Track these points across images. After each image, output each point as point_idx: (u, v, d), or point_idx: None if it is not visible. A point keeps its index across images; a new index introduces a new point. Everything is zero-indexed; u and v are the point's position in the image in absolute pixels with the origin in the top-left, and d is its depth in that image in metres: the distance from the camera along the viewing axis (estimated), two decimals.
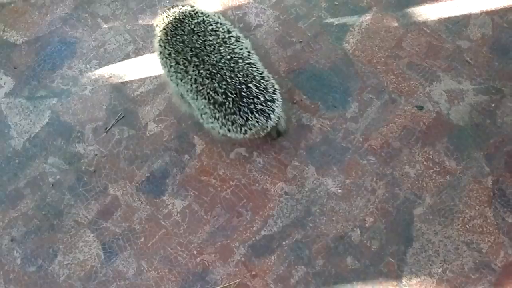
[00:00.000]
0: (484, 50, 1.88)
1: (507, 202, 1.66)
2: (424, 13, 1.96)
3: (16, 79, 2.12)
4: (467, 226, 1.65)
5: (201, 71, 1.60)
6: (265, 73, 1.65)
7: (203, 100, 1.62)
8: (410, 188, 1.72)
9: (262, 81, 1.61)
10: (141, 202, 1.83)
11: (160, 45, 1.72)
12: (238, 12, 2.08)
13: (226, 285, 1.68)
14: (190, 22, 1.69)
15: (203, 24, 1.68)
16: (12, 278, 1.81)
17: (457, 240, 1.64)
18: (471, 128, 1.77)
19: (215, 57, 1.60)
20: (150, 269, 1.74)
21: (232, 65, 1.59)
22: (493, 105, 1.80)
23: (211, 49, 1.62)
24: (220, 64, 1.59)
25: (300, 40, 1.98)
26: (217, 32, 1.66)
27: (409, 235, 1.66)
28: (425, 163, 1.74)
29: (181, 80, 1.67)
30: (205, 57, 1.61)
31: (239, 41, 1.67)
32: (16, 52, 2.18)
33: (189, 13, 1.72)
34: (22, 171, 1.95)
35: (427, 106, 1.82)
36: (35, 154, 1.97)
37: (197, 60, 1.61)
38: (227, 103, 1.58)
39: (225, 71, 1.58)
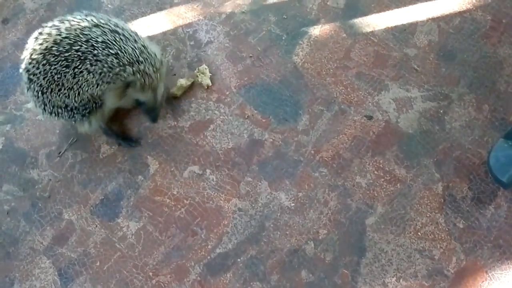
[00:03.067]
0: (431, 57, 1.90)
1: (457, 207, 1.67)
2: (371, 22, 1.98)
3: None
4: (419, 233, 1.66)
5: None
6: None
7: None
8: (362, 198, 1.72)
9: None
10: (96, 226, 1.82)
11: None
12: (189, 30, 2.09)
13: None
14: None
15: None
16: None
17: (410, 248, 1.65)
18: (420, 135, 1.78)
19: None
20: None
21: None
22: (441, 111, 1.81)
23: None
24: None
25: (250, 55, 1.99)
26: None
27: (362, 246, 1.67)
28: (375, 172, 1.75)
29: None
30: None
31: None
32: None
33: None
34: None
35: (376, 115, 1.83)
36: None
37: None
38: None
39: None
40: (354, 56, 1.93)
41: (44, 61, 1.65)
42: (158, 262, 1.74)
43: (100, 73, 1.68)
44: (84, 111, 1.78)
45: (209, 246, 1.73)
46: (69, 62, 1.63)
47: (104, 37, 1.65)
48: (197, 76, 1.95)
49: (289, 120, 1.87)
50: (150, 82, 1.72)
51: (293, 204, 1.75)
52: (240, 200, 1.77)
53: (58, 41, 1.63)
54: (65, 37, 1.62)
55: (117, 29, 1.68)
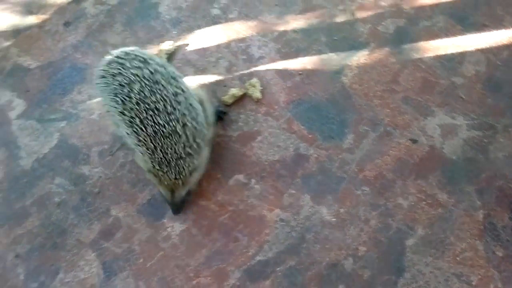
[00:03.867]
0: (477, 87, 1.94)
1: (497, 236, 1.70)
2: (420, 49, 2.04)
3: (28, 102, 2.22)
4: (458, 258, 1.69)
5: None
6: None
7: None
8: (403, 219, 1.76)
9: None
10: (142, 224, 1.89)
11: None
12: (242, 44, 2.18)
13: None
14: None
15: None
16: None
17: (448, 272, 1.68)
18: (463, 162, 1.82)
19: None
20: None
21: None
22: (485, 140, 1.85)
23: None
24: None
25: (300, 72, 2.06)
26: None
27: (400, 266, 1.70)
28: (418, 195, 1.79)
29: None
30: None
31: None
32: (29, 76, 2.28)
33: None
34: (29, 190, 2.03)
35: (421, 139, 1.87)
36: (43, 174, 2.05)
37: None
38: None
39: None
40: (401, 81, 1.98)
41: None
42: (199, 264, 1.80)
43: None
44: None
45: (250, 253, 1.79)
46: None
47: (156, 127, 1.66)
48: (248, 89, 2.03)
49: (334, 137, 1.92)
50: (168, 184, 1.74)
51: (334, 219, 1.80)
52: (283, 211, 1.83)
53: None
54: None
55: (173, 123, 1.67)
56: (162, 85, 1.68)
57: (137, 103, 1.66)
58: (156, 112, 1.65)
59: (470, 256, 1.68)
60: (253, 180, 1.89)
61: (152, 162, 1.70)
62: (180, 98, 1.70)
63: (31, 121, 2.17)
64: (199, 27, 2.27)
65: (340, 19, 2.17)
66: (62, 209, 1.97)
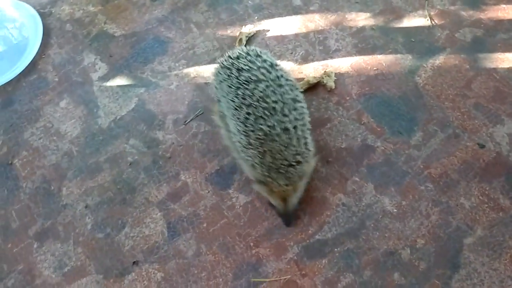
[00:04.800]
0: None
1: None
2: (496, 60, 2.08)
3: (110, 66, 2.35)
4: None
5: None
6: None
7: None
8: (463, 219, 1.81)
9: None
10: (208, 192, 1.99)
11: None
12: (320, 36, 2.26)
13: (276, 279, 1.80)
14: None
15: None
16: (81, 241, 1.98)
17: (503, 274, 1.71)
18: None
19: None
20: (208, 252, 1.88)
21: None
22: None
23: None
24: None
25: (375, 68, 2.13)
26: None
27: (456, 262, 1.75)
28: (480, 197, 1.83)
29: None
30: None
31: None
32: (114, 43, 2.42)
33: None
34: (104, 148, 2.15)
35: (488, 145, 1.92)
36: (118, 134, 2.17)
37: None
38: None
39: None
40: (474, 87, 2.03)
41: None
42: (260, 235, 1.88)
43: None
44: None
45: (310, 231, 1.86)
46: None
47: (269, 129, 1.66)
48: (323, 78, 2.11)
49: (403, 133, 1.98)
50: (280, 191, 1.72)
51: (396, 210, 1.85)
52: (345, 196, 1.90)
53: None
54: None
55: (292, 129, 1.68)
56: (286, 89, 1.72)
57: (258, 100, 1.67)
58: (272, 112, 1.66)
59: None
60: (319, 163, 1.97)
61: (261, 168, 1.69)
62: (297, 105, 1.73)
63: (112, 84, 2.30)
64: (280, 15, 2.37)
65: (418, 22, 2.23)
66: (134, 168, 2.09)
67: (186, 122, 2.15)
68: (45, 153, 2.19)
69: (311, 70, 2.17)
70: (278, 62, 1.85)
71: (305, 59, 2.21)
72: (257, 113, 1.67)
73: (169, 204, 1.99)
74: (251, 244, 1.87)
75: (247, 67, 1.74)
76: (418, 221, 1.83)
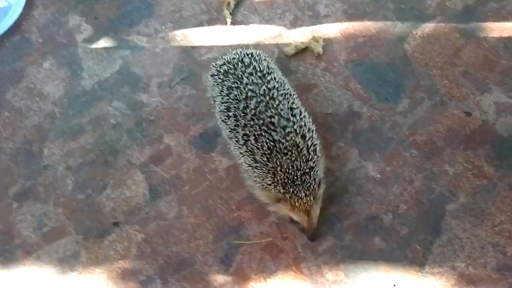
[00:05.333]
0: None
1: None
2: (486, 29, 2.05)
3: (95, 28, 2.30)
4: (496, 229, 1.72)
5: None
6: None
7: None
8: (446, 185, 1.80)
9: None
10: (192, 155, 1.97)
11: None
12: (309, 1, 2.21)
13: (257, 241, 1.79)
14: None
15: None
16: (62, 202, 1.97)
17: (484, 240, 1.71)
18: None
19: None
20: (190, 215, 1.86)
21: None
22: None
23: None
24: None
25: (364, 34, 2.10)
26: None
27: (438, 228, 1.74)
28: (464, 164, 1.82)
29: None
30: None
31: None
32: (99, 5, 2.36)
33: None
34: (87, 109, 2.12)
35: (475, 113, 1.90)
36: (102, 96, 2.13)
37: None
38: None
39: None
40: (463, 56, 2.01)
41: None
42: (242, 199, 1.86)
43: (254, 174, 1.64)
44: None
45: None
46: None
47: (272, 144, 1.58)
48: (310, 43, 2.08)
49: (389, 100, 1.96)
50: (301, 204, 1.60)
51: (379, 176, 1.84)
52: (329, 161, 1.88)
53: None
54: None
55: (291, 136, 1.60)
56: (279, 100, 1.64)
57: (251, 119, 1.60)
58: (271, 127, 1.58)
59: (509, 229, 1.71)
60: None
61: (275, 186, 1.59)
62: (296, 111, 1.65)
63: (96, 46, 2.26)
64: None
65: None
66: (117, 130, 2.06)
67: (171, 85, 2.11)
68: (27, 114, 2.16)
69: (300, 36, 2.14)
70: (272, 65, 1.79)
71: (293, 24, 2.17)
72: (255, 133, 1.60)
73: (151, 167, 1.97)
74: (233, 207, 1.86)
75: (236, 85, 1.68)
76: (401, 187, 1.82)
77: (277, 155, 1.58)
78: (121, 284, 1.81)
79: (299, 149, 1.58)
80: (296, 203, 1.59)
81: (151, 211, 1.89)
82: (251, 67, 1.72)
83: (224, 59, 1.79)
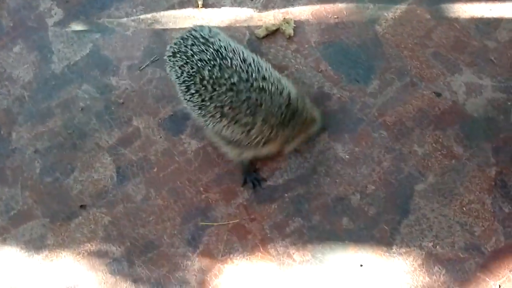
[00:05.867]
0: (509, 53, 1.94)
1: (507, 193, 1.72)
2: (457, 10, 2.04)
3: (66, 12, 2.27)
4: (464, 208, 1.71)
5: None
6: None
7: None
8: (415, 165, 1.79)
9: None
10: (160, 137, 1.94)
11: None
12: None
13: (224, 223, 1.77)
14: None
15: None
16: (29, 185, 1.94)
17: (452, 220, 1.70)
18: (484, 120, 1.83)
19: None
20: (157, 197, 1.84)
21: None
22: (509, 103, 1.85)
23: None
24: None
25: (336, 16, 2.08)
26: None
27: (406, 208, 1.73)
28: (433, 145, 1.81)
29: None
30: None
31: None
32: None
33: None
34: (56, 93, 2.09)
35: (445, 94, 1.89)
36: (71, 80, 2.10)
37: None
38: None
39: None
40: (434, 37, 1.99)
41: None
42: (210, 180, 1.84)
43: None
44: None
45: (261, 177, 1.82)
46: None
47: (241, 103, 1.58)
48: (281, 25, 2.06)
49: (360, 81, 1.95)
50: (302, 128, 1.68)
51: (348, 157, 1.82)
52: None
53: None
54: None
55: (257, 84, 1.59)
56: (230, 57, 1.60)
57: (213, 89, 1.58)
58: (235, 88, 1.56)
59: (477, 208, 1.70)
60: None
61: (276, 132, 1.62)
62: (249, 61, 1.62)
63: (67, 29, 2.23)
64: None
65: None
66: (85, 114, 2.03)
67: (141, 68, 2.09)
68: None
69: (271, 18, 2.12)
70: (214, 30, 1.74)
71: (265, 7, 2.15)
72: (225, 101, 1.57)
73: (119, 149, 1.94)
74: (201, 189, 1.84)
75: (185, 61, 1.64)
76: (370, 167, 1.80)
77: (257, 108, 1.57)
78: (88, 267, 1.78)
79: (268, 91, 1.58)
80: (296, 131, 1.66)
81: (118, 194, 1.87)
82: (192, 39, 1.68)
83: (171, 44, 1.76)
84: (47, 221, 1.87)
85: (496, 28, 2.00)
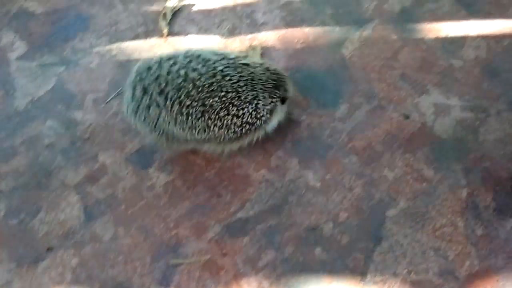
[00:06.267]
0: (475, 71, 1.95)
1: (479, 215, 1.70)
2: (423, 30, 2.04)
3: (29, 45, 2.22)
4: (437, 233, 1.69)
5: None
6: None
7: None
8: (386, 190, 1.77)
9: None
10: (128, 173, 1.90)
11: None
12: (247, 9, 2.18)
13: (195, 259, 1.73)
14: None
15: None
16: None
17: (426, 245, 1.68)
18: (453, 141, 1.82)
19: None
20: (126, 235, 1.79)
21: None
22: (477, 122, 1.85)
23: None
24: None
25: (302, 41, 2.07)
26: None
27: (379, 235, 1.70)
28: (404, 168, 1.79)
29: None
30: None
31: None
32: (33, 21, 2.29)
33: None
34: (20, 130, 2.03)
35: (413, 116, 1.88)
36: (35, 116, 2.05)
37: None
38: None
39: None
40: (401, 58, 1.99)
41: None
42: (180, 215, 1.80)
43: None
44: None
45: (231, 209, 1.79)
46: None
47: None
48: (248, 51, 2.04)
49: (328, 106, 1.93)
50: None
51: (319, 184, 1.80)
52: (269, 172, 1.83)
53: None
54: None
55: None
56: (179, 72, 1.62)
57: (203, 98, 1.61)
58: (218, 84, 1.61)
59: (450, 232, 1.68)
60: None
61: (275, 104, 1.74)
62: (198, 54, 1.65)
63: (30, 63, 2.18)
64: None
65: None
66: (51, 151, 1.98)
67: (107, 101, 2.04)
68: None
69: (237, 44, 2.10)
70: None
71: (231, 33, 2.13)
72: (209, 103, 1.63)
73: (86, 187, 1.89)
74: (171, 225, 1.79)
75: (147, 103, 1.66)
76: (341, 194, 1.78)
77: (243, 94, 1.65)
78: None
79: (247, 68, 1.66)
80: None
81: (86, 234, 1.81)
82: (149, 78, 1.65)
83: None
84: (13, 266, 1.80)
85: (462, 46, 2.00)
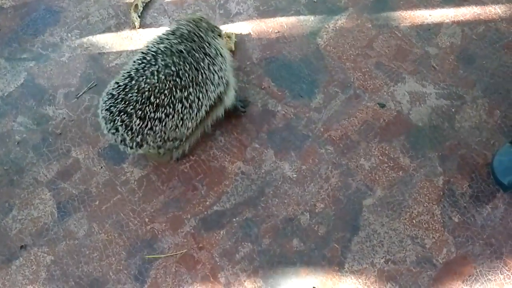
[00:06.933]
0: (450, 58, 1.94)
1: (455, 202, 1.70)
2: (398, 18, 2.03)
3: None
4: (414, 221, 1.68)
5: None
6: None
7: None
8: (363, 180, 1.76)
9: None
10: (101, 168, 1.86)
11: None
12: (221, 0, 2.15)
13: (171, 254, 1.70)
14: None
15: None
16: None
17: (403, 233, 1.67)
18: (429, 129, 1.82)
19: None
20: (100, 231, 1.76)
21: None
22: (453, 110, 1.85)
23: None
24: None
25: (276, 31, 2.04)
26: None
27: (356, 224, 1.69)
28: (380, 157, 1.78)
29: None
30: None
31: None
32: (2, 15, 2.23)
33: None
34: None
35: (389, 104, 1.87)
36: (6, 112, 2.00)
37: None
38: None
39: None
40: (376, 47, 1.97)
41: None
42: (155, 210, 1.77)
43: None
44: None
45: (207, 203, 1.76)
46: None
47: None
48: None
49: (303, 96, 1.91)
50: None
51: (295, 175, 1.78)
52: (245, 164, 1.81)
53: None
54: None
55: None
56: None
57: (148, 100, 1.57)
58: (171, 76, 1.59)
59: (426, 220, 1.68)
60: (217, 131, 1.87)
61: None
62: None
63: (0, 59, 2.12)
64: None
65: None
66: (22, 147, 1.93)
67: (78, 95, 2.00)
68: None
69: None
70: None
71: None
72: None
73: (59, 183, 1.85)
74: (146, 219, 1.76)
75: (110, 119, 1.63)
76: (318, 185, 1.76)
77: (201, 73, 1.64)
78: None
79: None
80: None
81: (60, 231, 1.77)
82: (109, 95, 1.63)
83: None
84: None
85: (437, 34, 2.00)
